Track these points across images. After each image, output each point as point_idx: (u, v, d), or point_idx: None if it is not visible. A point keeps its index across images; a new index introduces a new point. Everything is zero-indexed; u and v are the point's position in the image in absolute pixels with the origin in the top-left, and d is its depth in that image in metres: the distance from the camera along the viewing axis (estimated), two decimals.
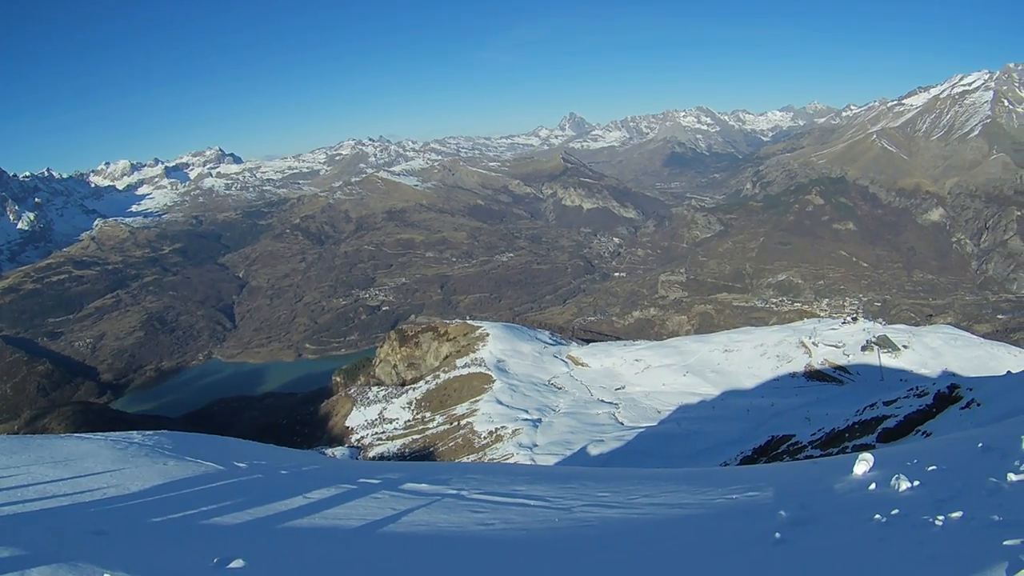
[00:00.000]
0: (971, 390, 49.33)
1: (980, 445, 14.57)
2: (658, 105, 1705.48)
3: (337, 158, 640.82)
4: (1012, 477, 10.70)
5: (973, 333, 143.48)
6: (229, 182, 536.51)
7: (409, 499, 15.01)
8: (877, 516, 10.21)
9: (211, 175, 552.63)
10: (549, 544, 11.90)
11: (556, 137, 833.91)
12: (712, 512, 13.88)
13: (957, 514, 9.36)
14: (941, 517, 9.39)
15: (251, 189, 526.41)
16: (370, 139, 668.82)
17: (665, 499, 15.26)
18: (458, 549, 11.69)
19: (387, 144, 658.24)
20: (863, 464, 14.20)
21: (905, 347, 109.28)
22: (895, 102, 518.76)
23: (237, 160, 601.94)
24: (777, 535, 10.46)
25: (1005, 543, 7.75)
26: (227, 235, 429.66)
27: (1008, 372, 56.04)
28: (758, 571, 9.49)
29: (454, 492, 15.97)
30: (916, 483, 11.96)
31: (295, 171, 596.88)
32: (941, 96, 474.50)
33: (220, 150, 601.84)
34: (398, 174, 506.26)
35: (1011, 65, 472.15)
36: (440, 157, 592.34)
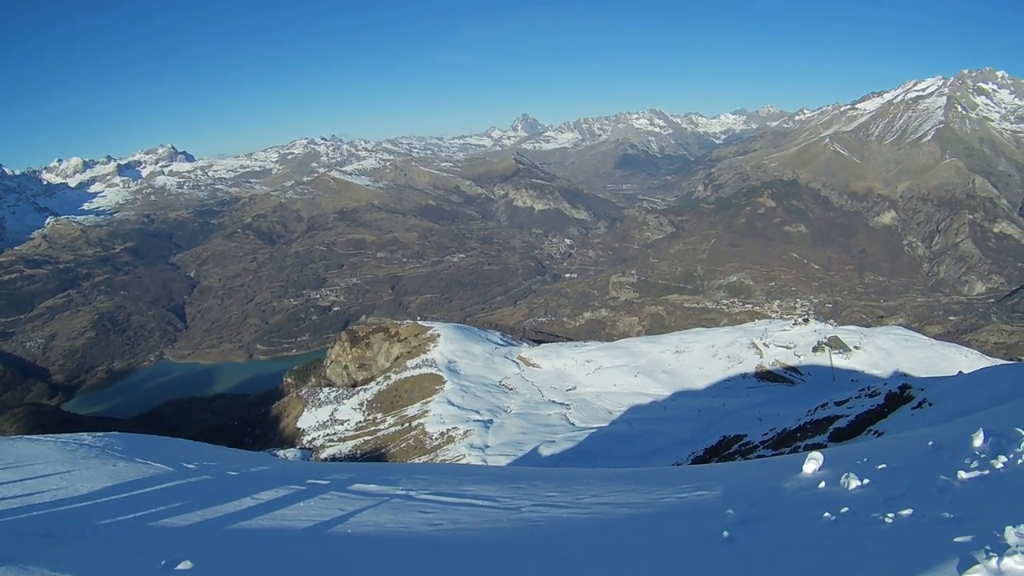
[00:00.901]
0: (923, 390, 50.21)
1: (930, 444, 14.70)
2: (611, 107, 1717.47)
3: (289, 157, 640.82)
4: (963, 475, 10.79)
5: (924, 334, 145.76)
6: (181, 180, 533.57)
7: (358, 500, 15.01)
8: (826, 514, 10.32)
9: (163, 173, 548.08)
10: (497, 544, 11.94)
11: (508, 138, 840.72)
12: (661, 511, 13.95)
13: (907, 512, 9.45)
14: (891, 515, 9.48)
15: (203, 188, 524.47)
16: (322, 138, 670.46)
17: (614, 499, 15.30)
18: (406, 550, 11.71)
19: (339, 143, 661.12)
20: (813, 463, 14.30)
21: (856, 348, 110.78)
22: (848, 106, 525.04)
23: (190, 158, 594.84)
24: (725, 534, 10.54)
25: (956, 540, 7.82)
26: (179, 234, 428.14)
27: (959, 373, 56.83)
28: (706, 569, 9.55)
29: (402, 493, 15.98)
30: (866, 481, 12.09)
31: (247, 170, 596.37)
32: (895, 101, 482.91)
33: (172, 148, 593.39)
34: (350, 174, 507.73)
35: (965, 71, 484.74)
36: (392, 157, 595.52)
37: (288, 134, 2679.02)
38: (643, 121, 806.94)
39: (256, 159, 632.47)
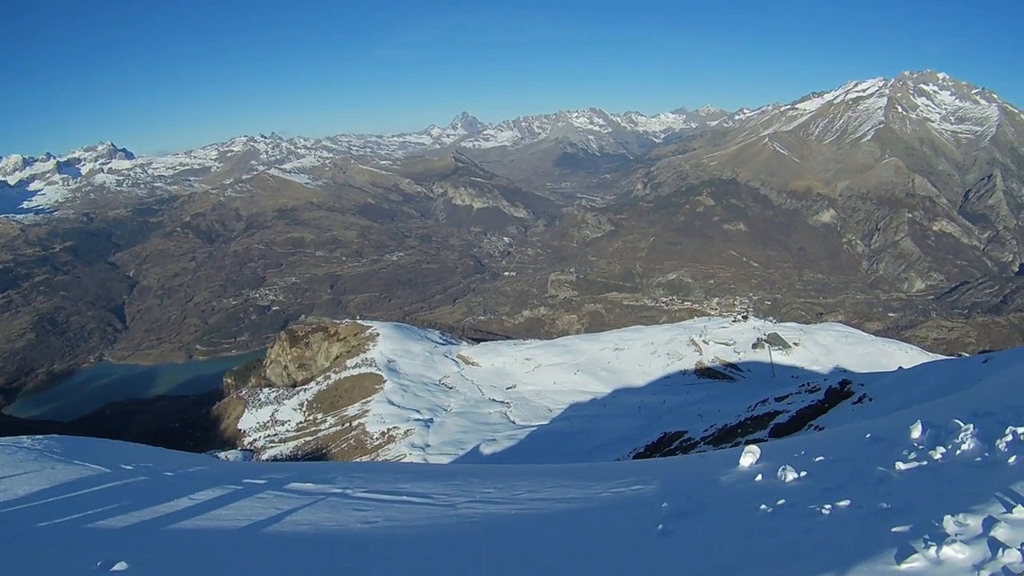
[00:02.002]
0: (863, 385, 50.54)
1: (868, 436, 14.86)
2: (551, 106, 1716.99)
3: (229, 155, 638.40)
4: (900, 466, 10.96)
5: (864, 331, 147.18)
6: (120, 178, 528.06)
7: (294, 499, 14.95)
8: (763, 506, 10.42)
9: (103, 171, 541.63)
10: (431, 540, 11.97)
11: (448, 136, 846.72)
12: (596, 506, 13.93)
13: (844, 503, 9.57)
14: (828, 506, 9.58)
15: (142, 186, 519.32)
16: (262, 136, 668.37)
17: (550, 494, 15.35)
18: (341, 547, 11.71)
19: (279, 141, 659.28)
20: (750, 456, 14.40)
21: (796, 344, 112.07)
22: (789, 106, 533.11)
23: (129, 156, 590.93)
24: (660, 527, 10.60)
25: (893, 530, 7.97)
26: (118, 233, 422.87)
27: (899, 368, 56.92)
28: (639, 562, 9.58)
29: (339, 491, 15.89)
30: (803, 474, 12.23)
31: (186, 167, 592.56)
32: (835, 101, 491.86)
33: (112, 145, 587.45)
34: (289, 172, 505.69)
35: (906, 73, 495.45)
36: (332, 155, 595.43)
37: (228, 131, 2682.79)
38: (583, 120, 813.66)
39: (196, 157, 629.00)
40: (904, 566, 7.04)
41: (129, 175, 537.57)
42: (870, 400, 44.97)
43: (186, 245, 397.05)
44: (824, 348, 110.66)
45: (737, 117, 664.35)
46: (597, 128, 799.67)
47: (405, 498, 15.21)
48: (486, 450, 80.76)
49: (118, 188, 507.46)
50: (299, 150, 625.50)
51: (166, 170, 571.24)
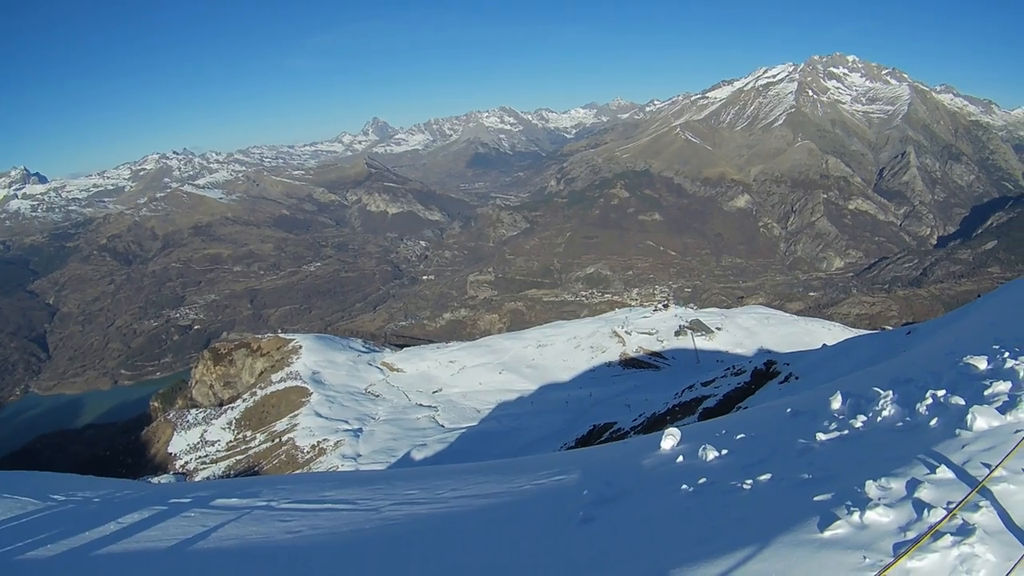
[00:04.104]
0: (788, 365, 51.56)
1: (789, 411, 15.11)
2: (462, 107, 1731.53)
3: (141, 173, 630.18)
4: (821, 436, 11.16)
5: (786, 311, 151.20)
6: (35, 203, 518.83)
7: (219, 514, 14.94)
8: (684, 486, 10.59)
9: (17, 197, 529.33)
10: (355, 545, 12.10)
11: (360, 143, 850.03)
12: (518, 499, 14.15)
13: (765, 477, 9.78)
14: (749, 481, 9.78)
15: (57, 210, 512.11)
16: (174, 152, 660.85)
17: (473, 491, 15.54)
18: (265, 559, 11.77)
19: (191, 156, 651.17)
20: (670, 439, 14.70)
21: (719, 329, 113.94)
22: (699, 95, 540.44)
23: (43, 180, 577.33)
24: (581, 514, 10.78)
25: (815, 499, 8.11)
26: (35, 260, 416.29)
27: (823, 345, 58.65)
28: (560, 551, 9.71)
29: (264, 504, 15.94)
30: (724, 452, 12.49)
31: (100, 189, 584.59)
32: (745, 88, 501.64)
33: (25, 170, 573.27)
34: (203, 187, 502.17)
35: (816, 57, 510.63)
36: (244, 168, 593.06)
37: (141, 149, 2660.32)
38: (493, 119, 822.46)
39: (109, 177, 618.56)
40: (827, 533, 7.14)
41: (44, 200, 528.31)
42: (796, 379, 45.79)
43: (104, 268, 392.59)
44: (747, 331, 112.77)
45: (648, 109, 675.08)
46: (508, 127, 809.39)
47: (329, 506, 15.41)
48: (418, 455, 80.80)
49: (33, 214, 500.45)
50: (212, 164, 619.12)
51: (80, 192, 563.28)
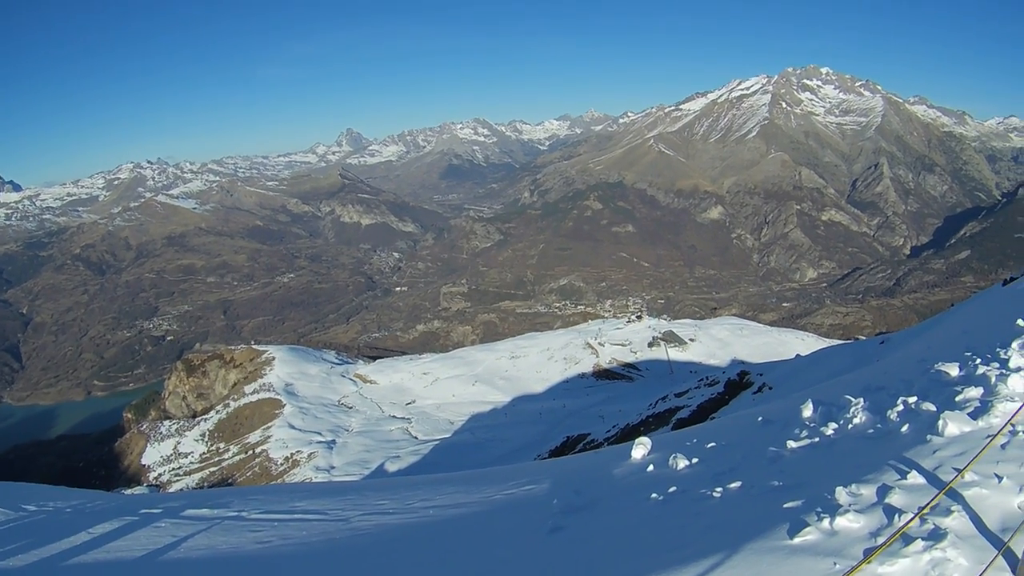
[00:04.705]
0: (761, 375, 51.59)
1: (760, 419, 15.19)
2: (436, 118, 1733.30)
3: (116, 182, 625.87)
4: (792, 444, 11.16)
5: (759, 322, 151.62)
6: (9, 212, 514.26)
7: (190, 525, 14.90)
8: (654, 495, 10.61)
9: None
10: (325, 555, 12.10)
11: (334, 154, 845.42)
12: (488, 509, 14.17)
13: (735, 485, 9.77)
14: (719, 489, 9.78)
15: (31, 218, 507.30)
16: (148, 161, 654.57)
17: (443, 501, 15.57)
18: (235, 568, 11.76)
19: (165, 166, 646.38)
20: (641, 448, 14.65)
21: (692, 340, 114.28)
22: (673, 107, 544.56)
23: (17, 187, 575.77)
24: (551, 523, 10.79)
25: (785, 506, 8.12)
26: (8, 269, 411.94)
27: (797, 356, 58.70)
28: (528, 561, 9.72)
29: (234, 514, 15.91)
30: (695, 460, 12.49)
31: (74, 197, 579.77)
32: (719, 100, 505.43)
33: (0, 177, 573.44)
34: (177, 197, 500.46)
35: (789, 69, 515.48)
36: (218, 178, 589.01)
37: (116, 157, 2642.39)
38: (467, 131, 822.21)
39: (83, 186, 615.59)
40: (797, 540, 7.14)
41: (18, 208, 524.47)
42: (770, 388, 45.81)
43: (77, 278, 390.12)
44: (720, 342, 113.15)
45: (621, 121, 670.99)
46: (482, 138, 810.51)
47: (300, 516, 15.36)
48: (391, 467, 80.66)
49: (7, 222, 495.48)
50: (186, 174, 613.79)
51: (54, 201, 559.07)
